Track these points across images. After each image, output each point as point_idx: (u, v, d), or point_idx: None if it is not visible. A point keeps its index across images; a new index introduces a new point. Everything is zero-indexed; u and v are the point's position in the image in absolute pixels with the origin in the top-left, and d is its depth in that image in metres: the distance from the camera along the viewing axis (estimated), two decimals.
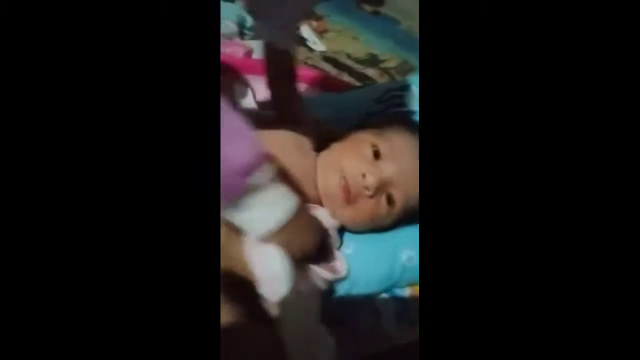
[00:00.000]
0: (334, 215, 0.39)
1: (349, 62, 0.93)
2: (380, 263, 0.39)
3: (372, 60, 0.97)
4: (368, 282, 0.39)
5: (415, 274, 0.40)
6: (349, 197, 0.37)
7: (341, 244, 0.40)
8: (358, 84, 0.85)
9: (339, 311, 0.39)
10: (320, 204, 0.39)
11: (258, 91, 0.54)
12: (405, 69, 0.97)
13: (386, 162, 0.37)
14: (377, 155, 0.38)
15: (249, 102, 0.55)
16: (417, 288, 0.41)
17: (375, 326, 0.38)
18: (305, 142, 0.41)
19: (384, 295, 0.40)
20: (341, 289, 0.39)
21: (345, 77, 0.87)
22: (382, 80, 0.90)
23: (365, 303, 0.40)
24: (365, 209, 0.38)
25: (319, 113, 0.50)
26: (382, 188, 0.37)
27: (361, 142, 0.39)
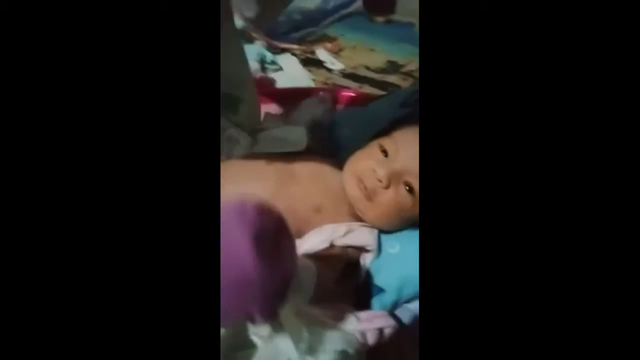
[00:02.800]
0: (365, 217, 0.42)
1: (368, 74, 0.95)
2: None
3: (392, 67, 0.98)
4: (417, 281, 0.39)
5: None
6: (367, 193, 0.40)
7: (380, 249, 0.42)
8: (382, 92, 0.86)
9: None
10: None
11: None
12: None
13: (395, 156, 0.41)
14: (385, 153, 0.41)
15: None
16: None
17: None
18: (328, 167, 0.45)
19: None
20: (391, 293, 0.39)
21: (367, 89, 0.88)
22: (406, 84, 0.91)
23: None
24: (387, 201, 0.40)
25: (347, 130, 0.52)
26: (396, 178, 0.40)
27: (370, 147, 0.43)
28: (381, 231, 0.43)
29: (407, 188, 0.40)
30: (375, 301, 0.39)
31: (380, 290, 0.40)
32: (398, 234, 0.42)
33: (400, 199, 0.40)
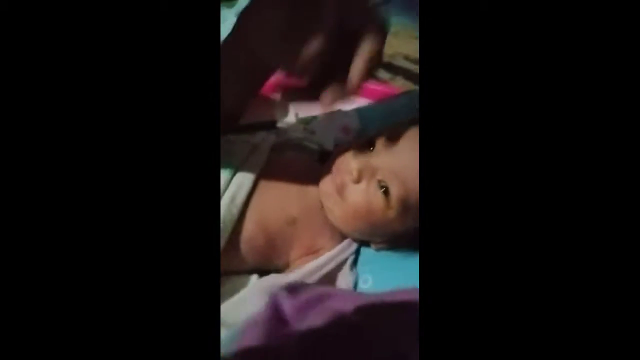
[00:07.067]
0: (331, 217, 0.36)
1: (406, 64, 0.86)
2: None
3: None
4: None
5: None
6: (337, 186, 0.35)
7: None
8: (415, 86, 0.78)
9: None
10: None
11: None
12: None
13: (381, 151, 0.35)
14: (372, 146, 0.36)
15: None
16: None
17: None
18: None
19: None
20: None
21: (400, 82, 0.80)
22: None
23: None
24: (354, 198, 0.34)
25: (369, 126, 0.48)
26: (369, 173, 0.34)
27: (361, 141, 0.37)
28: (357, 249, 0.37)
29: (382, 188, 0.34)
30: None
31: None
32: (370, 265, 0.37)
33: (370, 197, 0.34)
